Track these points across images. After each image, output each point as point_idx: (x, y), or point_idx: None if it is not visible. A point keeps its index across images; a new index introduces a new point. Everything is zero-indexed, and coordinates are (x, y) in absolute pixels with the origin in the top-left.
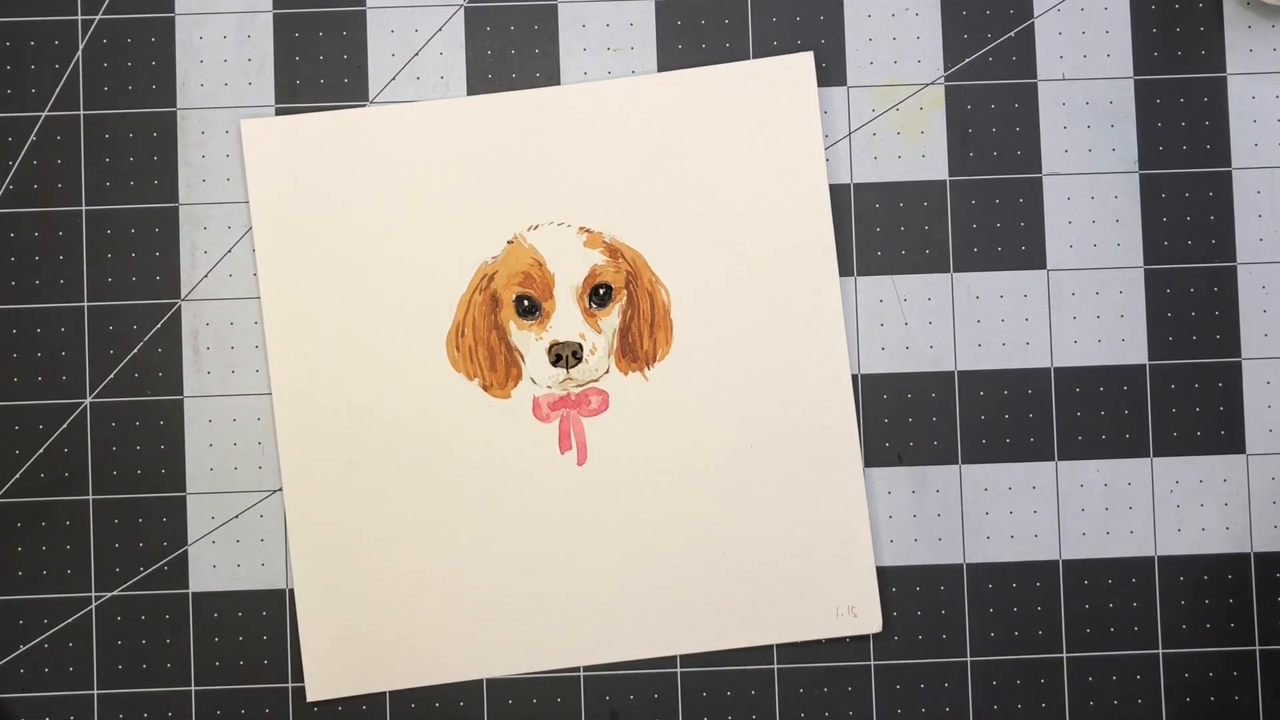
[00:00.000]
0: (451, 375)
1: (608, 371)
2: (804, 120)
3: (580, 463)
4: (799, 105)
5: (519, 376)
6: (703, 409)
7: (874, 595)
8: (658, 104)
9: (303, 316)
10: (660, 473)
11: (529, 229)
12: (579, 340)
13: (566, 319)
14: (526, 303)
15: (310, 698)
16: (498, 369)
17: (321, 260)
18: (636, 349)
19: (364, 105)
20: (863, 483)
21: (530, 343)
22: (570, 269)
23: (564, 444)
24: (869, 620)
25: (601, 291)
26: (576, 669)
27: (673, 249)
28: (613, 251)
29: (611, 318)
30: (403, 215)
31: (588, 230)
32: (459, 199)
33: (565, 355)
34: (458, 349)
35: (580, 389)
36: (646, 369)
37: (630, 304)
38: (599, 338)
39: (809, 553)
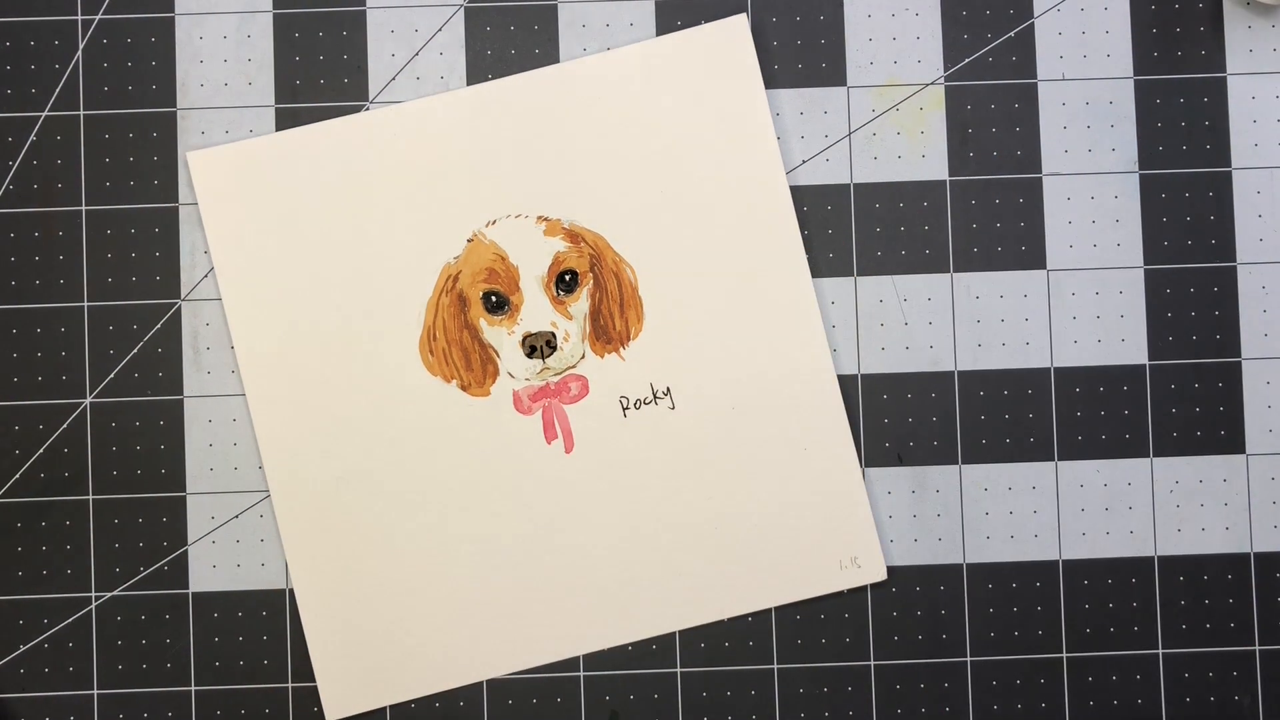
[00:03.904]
0: (429, 380)
1: (583, 356)
2: (745, 82)
3: (568, 450)
4: (738, 68)
5: (496, 373)
6: (683, 380)
7: (875, 544)
8: (598, 86)
9: (274, 343)
10: (648, 449)
11: (487, 224)
12: (551, 329)
13: (536, 309)
14: (494, 298)
15: (330, 718)
16: (474, 368)
17: (285, 283)
18: (609, 330)
19: (365, 105)
20: (849, 434)
21: (503, 338)
22: (533, 259)
23: (549, 434)
24: (873, 569)
25: (567, 278)
26: (576, 671)
27: (633, 227)
28: (573, 237)
29: (580, 302)
30: (360, 227)
31: (546, 219)
32: (414, 204)
33: (539, 345)
34: (431, 353)
35: (559, 377)
36: (622, 349)
37: (598, 286)
38: (570, 324)
39: (805, 508)
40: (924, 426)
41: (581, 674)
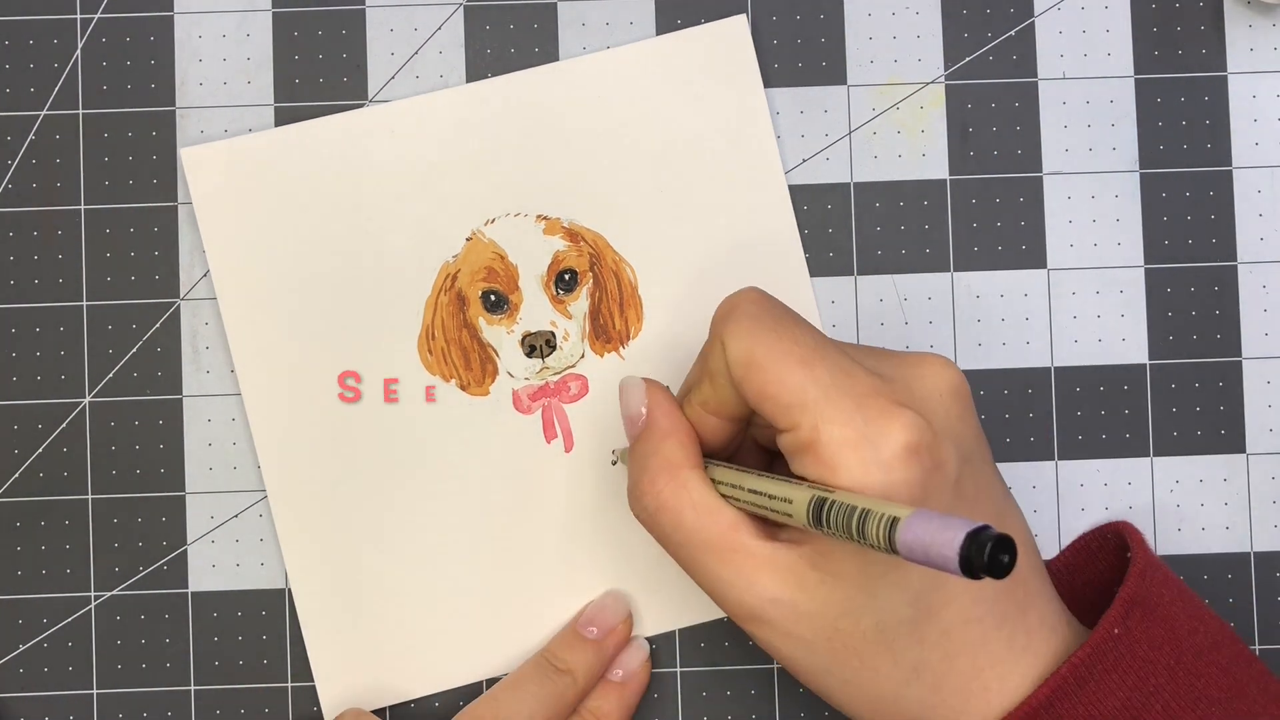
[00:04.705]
0: (427, 379)
1: (583, 356)
2: (745, 82)
3: (568, 449)
4: (738, 68)
5: (495, 372)
6: (683, 379)
7: None
8: (597, 85)
9: (269, 341)
10: None
11: (486, 223)
12: (550, 328)
13: (535, 309)
14: (493, 297)
15: (329, 718)
16: (473, 367)
17: (280, 281)
18: (609, 330)
19: (364, 104)
20: None
21: (502, 337)
22: (532, 258)
23: (549, 433)
24: None
25: (567, 277)
26: None
27: (632, 227)
28: (573, 236)
29: (580, 302)
30: (357, 225)
31: (545, 218)
32: (413, 202)
33: (539, 345)
34: (430, 352)
35: (558, 376)
36: (621, 348)
37: (597, 286)
38: (570, 323)
39: None
40: None
41: None
